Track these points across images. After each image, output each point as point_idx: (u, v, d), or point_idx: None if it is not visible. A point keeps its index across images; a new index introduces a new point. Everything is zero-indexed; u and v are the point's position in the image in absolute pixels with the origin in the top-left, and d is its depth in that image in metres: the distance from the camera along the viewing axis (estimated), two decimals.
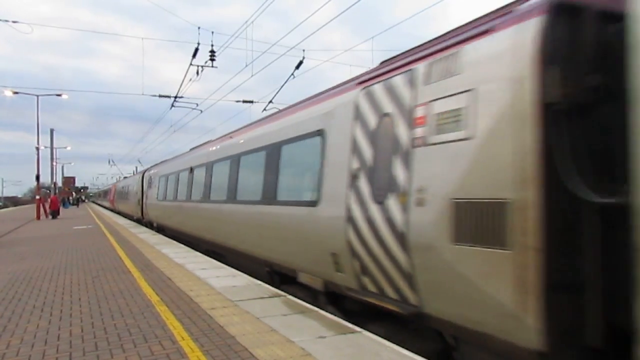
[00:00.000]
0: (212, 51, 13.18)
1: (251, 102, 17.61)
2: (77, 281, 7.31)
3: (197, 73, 14.06)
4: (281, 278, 7.24)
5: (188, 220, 13.20)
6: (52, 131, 40.81)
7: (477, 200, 3.57)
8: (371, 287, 4.91)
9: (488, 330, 3.52)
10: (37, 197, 30.22)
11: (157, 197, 18.37)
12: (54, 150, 42.64)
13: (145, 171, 24.29)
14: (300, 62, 11.74)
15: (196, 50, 13.10)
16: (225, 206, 9.68)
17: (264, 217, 7.58)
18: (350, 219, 5.12)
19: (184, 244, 13.22)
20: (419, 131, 4.25)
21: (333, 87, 6.48)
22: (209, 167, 11.49)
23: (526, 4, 3.52)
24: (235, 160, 9.53)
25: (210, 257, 10.37)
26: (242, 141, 9.51)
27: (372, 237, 4.78)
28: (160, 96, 17.29)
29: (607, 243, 3.04)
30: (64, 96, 29.45)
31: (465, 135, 3.70)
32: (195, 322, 4.79)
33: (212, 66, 13.60)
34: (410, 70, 4.50)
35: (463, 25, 4.31)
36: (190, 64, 13.75)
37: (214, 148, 11.68)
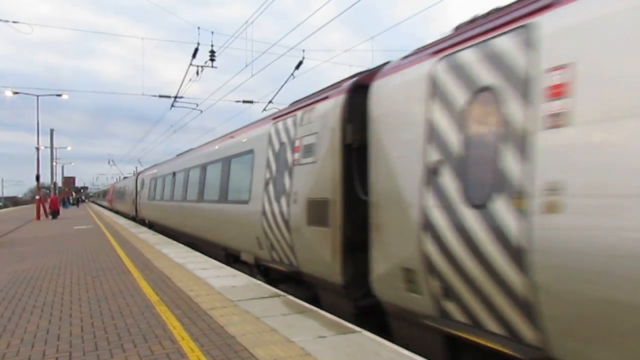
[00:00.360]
0: (212, 51, 13.18)
1: (251, 102, 17.61)
2: (77, 281, 7.31)
3: (197, 73, 14.05)
4: (234, 259, 9.31)
5: (172, 217, 15.29)
6: (52, 131, 40.78)
7: (317, 199, 5.82)
8: (276, 258, 7.16)
9: (324, 277, 5.77)
10: (37, 197, 30.20)
11: (148, 197, 20.72)
12: (54, 150, 42.61)
13: (139, 174, 26.74)
14: (300, 62, 11.73)
15: (196, 50, 13.09)
16: (197, 205, 11.93)
17: (220, 213, 9.88)
18: (264, 213, 7.42)
19: (168, 237, 15.03)
20: (296, 155, 6.56)
21: (263, 117, 8.76)
22: (186, 172, 13.75)
23: (345, 84, 5.79)
24: (203, 168, 11.83)
25: (188, 247, 12.01)
26: (208, 152, 11.73)
27: (274, 224, 7.04)
28: (160, 96, 17.29)
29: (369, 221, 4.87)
30: (64, 96, 29.41)
31: (313, 160, 6.01)
32: (195, 322, 4.80)
33: (212, 66, 13.60)
34: (295, 115, 6.81)
35: (323, 89, 6.54)
36: (190, 64, 13.74)
37: (191, 157, 13.82)
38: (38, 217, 28.27)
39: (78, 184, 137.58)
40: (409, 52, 4.85)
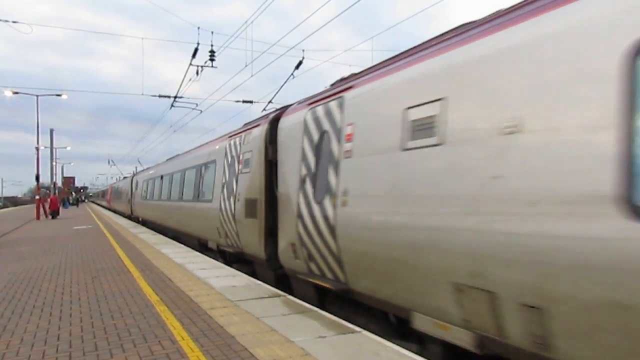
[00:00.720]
0: (212, 51, 13.17)
1: (251, 102, 17.59)
2: (77, 281, 7.31)
3: (197, 73, 14.05)
4: (205, 248, 11.50)
5: (160, 214, 17.66)
6: (52, 131, 40.78)
7: (251, 198, 7.99)
8: (229, 243, 9.36)
9: (255, 254, 7.93)
10: (37, 197, 30.19)
11: (140, 197, 23.37)
12: (54, 150, 42.61)
13: (133, 176, 29.66)
14: (300, 62, 11.72)
15: (196, 50, 13.09)
16: (177, 203, 14.32)
17: (193, 210, 12.28)
18: (220, 209, 9.70)
19: (156, 232, 17.20)
20: (240, 166, 8.75)
21: (223, 135, 11.07)
22: (170, 176, 16.20)
23: (270, 116, 7.92)
24: (183, 172, 14.26)
25: (172, 239, 14.17)
26: (186, 160, 14.25)
27: (227, 217, 9.25)
28: (160, 96, 17.28)
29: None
30: (64, 96, 29.38)
31: (249, 170, 8.19)
32: (195, 322, 4.79)
33: (212, 66, 13.59)
34: (241, 135, 9.07)
35: (259, 117, 8.85)
36: (190, 64, 13.73)
37: (174, 163, 16.39)
38: (38, 217, 28.26)
39: (78, 184, 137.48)
40: (301, 100, 7.05)
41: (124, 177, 44.19)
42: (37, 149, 30.08)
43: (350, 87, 5.45)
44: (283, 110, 7.67)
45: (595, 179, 2.69)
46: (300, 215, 6.11)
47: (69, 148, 58.01)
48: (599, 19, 2.81)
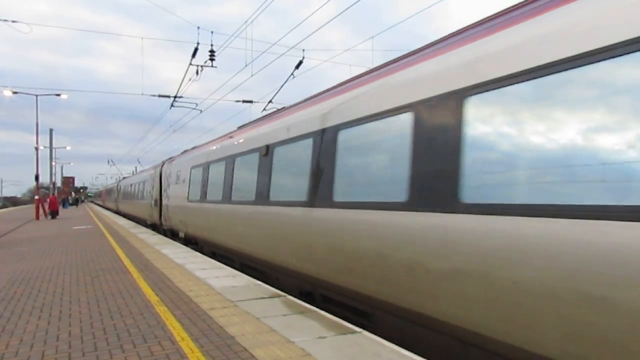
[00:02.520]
0: (212, 51, 13.16)
1: (251, 102, 17.58)
2: (77, 281, 7.30)
3: (197, 73, 14.04)
4: (147, 225, 21.40)
5: (131, 208, 28.43)
6: (51, 131, 40.73)
7: (156, 198, 19.07)
8: (151, 219, 20.34)
9: (156, 222, 19.01)
10: (36, 197, 30.16)
11: (122, 197, 34.08)
12: (53, 150, 42.57)
13: (120, 180, 41.49)
14: (300, 62, 11.71)
15: (196, 50, 13.08)
16: (136, 200, 25.08)
17: (141, 204, 23.42)
18: (149, 204, 20.56)
19: (129, 219, 28.03)
20: (154, 183, 20.01)
21: (152, 165, 24.09)
22: (134, 184, 26.77)
23: (164, 161, 19.48)
24: (139, 183, 24.76)
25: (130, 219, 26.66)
26: (139, 176, 25.84)
27: (150, 207, 20.24)
28: (159, 96, 17.28)
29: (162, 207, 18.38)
30: (63, 96, 29.35)
31: (155, 187, 19.71)
32: (194, 323, 4.78)
33: (212, 66, 13.59)
34: (156, 169, 20.21)
35: (164, 161, 19.67)
36: (190, 64, 13.73)
37: (135, 177, 28.00)
38: (37, 217, 28.24)
39: (77, 183, 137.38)
40: (170, 157, 18.48)
41: (124, 177, 44.47)
42: (37, 148, 30.06)
43: (174, 159, 16.11)
44: (167, 160, 17.75)
45: (185, 193, 13.46)
46: (163, 205, 16.48)
47: (68, 148, 57.95)
48: (183, 163, 14.59)
